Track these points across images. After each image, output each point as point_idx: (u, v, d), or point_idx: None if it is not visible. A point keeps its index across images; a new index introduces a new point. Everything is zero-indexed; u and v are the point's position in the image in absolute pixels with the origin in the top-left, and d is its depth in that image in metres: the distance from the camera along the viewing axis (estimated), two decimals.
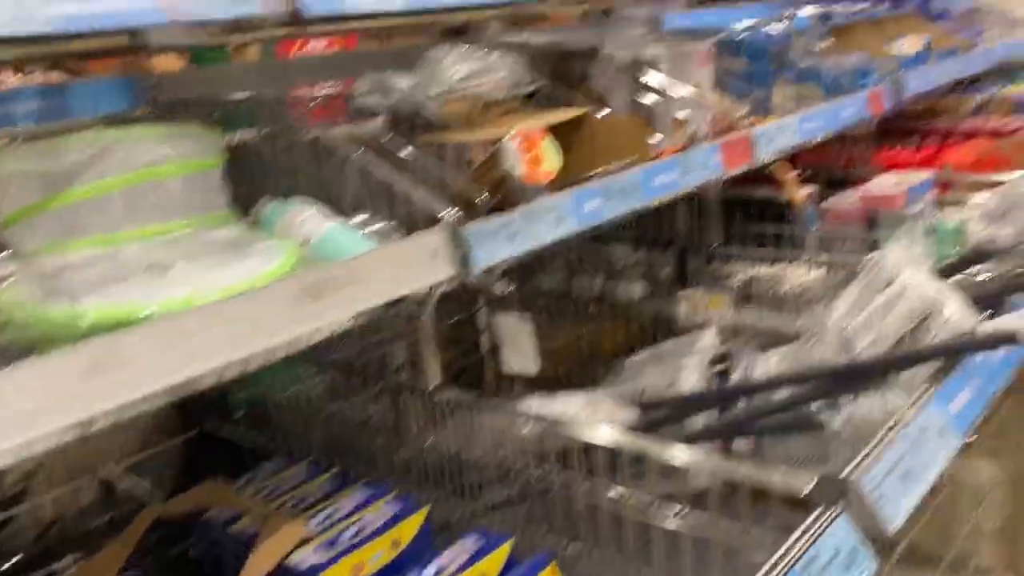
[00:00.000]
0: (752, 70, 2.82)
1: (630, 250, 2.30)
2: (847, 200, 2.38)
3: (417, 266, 1.19)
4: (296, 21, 1.34)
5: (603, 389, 1.78)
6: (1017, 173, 2.20)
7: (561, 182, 1.53)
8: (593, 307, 2.31)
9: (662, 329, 2.18)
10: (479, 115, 1.68)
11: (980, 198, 1.68)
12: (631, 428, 1.53)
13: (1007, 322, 1.22)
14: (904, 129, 3.06)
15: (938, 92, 3.34)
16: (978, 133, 2.86)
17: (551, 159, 1.28)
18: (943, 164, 2.57)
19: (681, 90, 2.02)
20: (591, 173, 1.54)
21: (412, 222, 1.29)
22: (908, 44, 2.94)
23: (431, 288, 1.25)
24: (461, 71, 1.69)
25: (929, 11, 3.62)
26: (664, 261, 2.19)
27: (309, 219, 1.32)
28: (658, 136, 1.99)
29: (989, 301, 1.43)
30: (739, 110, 2.50)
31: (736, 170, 1.85)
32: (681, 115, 2.02)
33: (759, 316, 2.06)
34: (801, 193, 2.27)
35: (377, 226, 1.33)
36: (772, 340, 1.85)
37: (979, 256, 1.57)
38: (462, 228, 1.23)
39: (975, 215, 1.79)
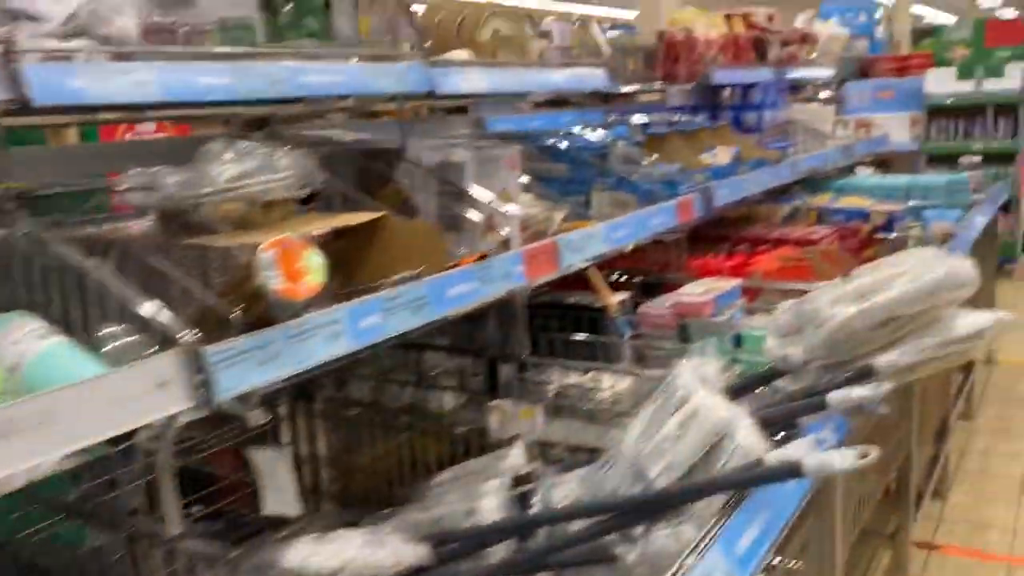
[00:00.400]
0: (572, 175, 2.84)
1: (443, 357, 2.18)
2: (660, 307, 2.37)
3: (143, 397, 1.02)
4: (25, 109, 1.17)
5: (399, 517, 1.63)
6: (817, 285, 2.25)
7: (342, 294, 1.41)
8: (403, 418, 2.17)
9: (474, 442, 2.06)
10: (258, 217, 1.54)
11: (778, 311, 1.67)
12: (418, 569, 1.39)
13: (793, 451, 1.16)
14: (718, 235, 3.15)
15: (751, 200, 3.49)
16: (786, 241, 2.97)
17: (316, 271, 1.15)
18: (752, 272, 2.62)
19: (487, 195, 1.96)
20: (373, 285, 1.42)
21: (151, 341, 1.12)
22: (720, 155, 3.05)
23: (169, 419, 1.08)
24: (237, 169, 1.55)
25: (743, 124, 3.81)
26: (476, 369, 2.09)
27: (25, 337, 1.12)
28: (460, 243, 1.92)
29: (781, 423, 1.39)
30: (556, 215, 2.48)
31: (541, 279, 1.79)
32: (488, 221, 1.96)
33: (570, 429, 1.97)
34: (614, 299, 2.24)
35: (121, 342, 1.15)
36: (582, 456, 1.77)
37: (774, 374, 1.55)
38: (204, 351, 1.07)
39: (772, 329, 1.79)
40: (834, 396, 1.30)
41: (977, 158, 4.26)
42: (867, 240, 3.06)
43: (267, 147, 1.64)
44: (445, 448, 2.11)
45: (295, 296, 1.12)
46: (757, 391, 1.60)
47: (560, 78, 2.38)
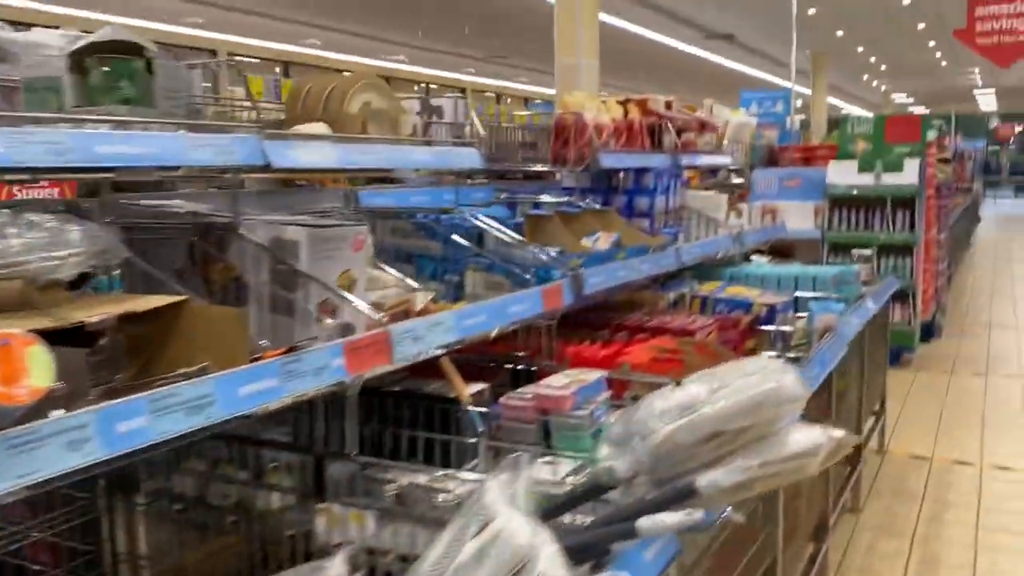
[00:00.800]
0: (447, 255, 2.74)
1: (275, 452, 2.01)
2: (522, 398, 2.25)
3: None
4: None
5: None
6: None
7: (123, 387, 1.25)
8: (230, 518, 1.98)
9: (301, 547, 1.88)
10: (36, 297, 1.37)
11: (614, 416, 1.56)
12: None
13: None
14: (600, 321, 3.07)
15: (637, 285, 3.44)
16: (665, 330, 2.90)
17: (40, 372, 0.99)
18: (621, 363, 2.53)
19: (327, 277, 1.83)
20: (148, 380, 1.26)
21: None
22: (601, 240, 2.99)
23: None
24: (18, 243, 1.39)
25: (635, 209, 3.78)
26: (307, 466, 1.92)
27: None
28: (294, 330, 1.77)
29: (593, 549, 1.26)
30: (420, 296, 2.35)
31: (368, 372, 1.65)
32: (324, 306, 1.82)
33: (404, 536, 1.81)
34: (467, 391, 2.11)
35: None
36: (410, 565, 1.61)
37: (598, 489, 1.43)
38: None
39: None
40: (644, 523, 1.19)
41: (868, 251, 4.33)
42: (747, 332, 3.01)
43: (59, 220, 1.49)
44: (273, 553, 1.93)
45: (11, 400, 0.96)
46: (591, 503, 1.48)
47: (425, 156, 2.29)
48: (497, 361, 2.62)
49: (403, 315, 2.16)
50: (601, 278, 2.63)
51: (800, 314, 3.59)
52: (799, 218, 7.10)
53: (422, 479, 1.94)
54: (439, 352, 2.03)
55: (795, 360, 3.21)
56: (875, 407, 4.68)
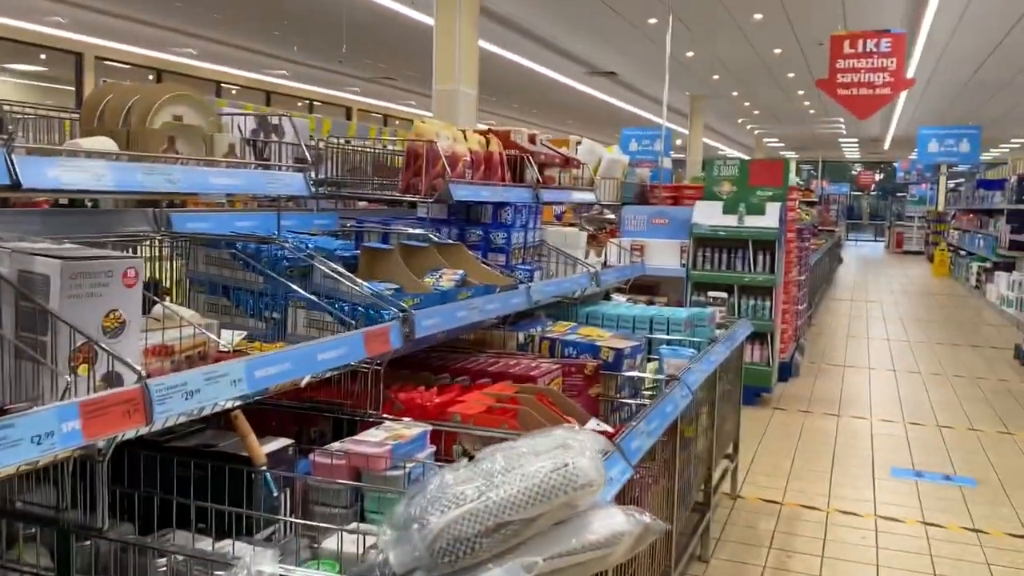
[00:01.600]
0: (268, 289, 2.49)
1: (26, 522, 1.71)
2: (333, 454, 2.02)
3: None
4: None
5: None
6: (516, 436, 1.99)
7: None
8: None
9: None
10: None
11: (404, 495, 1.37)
12: None
13: None
14: (441, 363, 2.88)
15: (485, 324, 3.26)
16: (507, 375, 2.74)
17: None
18: (452, 413, 2.34)
19: (93, 316, 1.57)
20: None
21: None
22: (444, 278, 2.81)
23: None
24: None
25: (491, 243, 3.63)
26: (47, 541, 1.63)
27: None
28: (41, 380, 1.50)
29: None
30: (219, 337, 2.10)
31: (115, 436, 1.40)
32: (80, 352, 1.55)
33: None
34: (261, 451, 1.87)
35: None
36: None
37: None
38: None
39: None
40: None
41: (723, 294, 4.32)
42: (593, 377, 2.89)
43: None
44: None
45: None
46: None
47: (232, 180, 2.04)
48: (315, 408, 2.39)
49: (197, 359, 1.91)
50: (436, 320, 2.45)
51: (652, 357, 3.51)
52: (665, 256, 7.16)
53: (204, 548, 1.69)
54: (228, 406, 1.79)
55: (638, 408, 3.11)
56: (727, 450, 4.67)
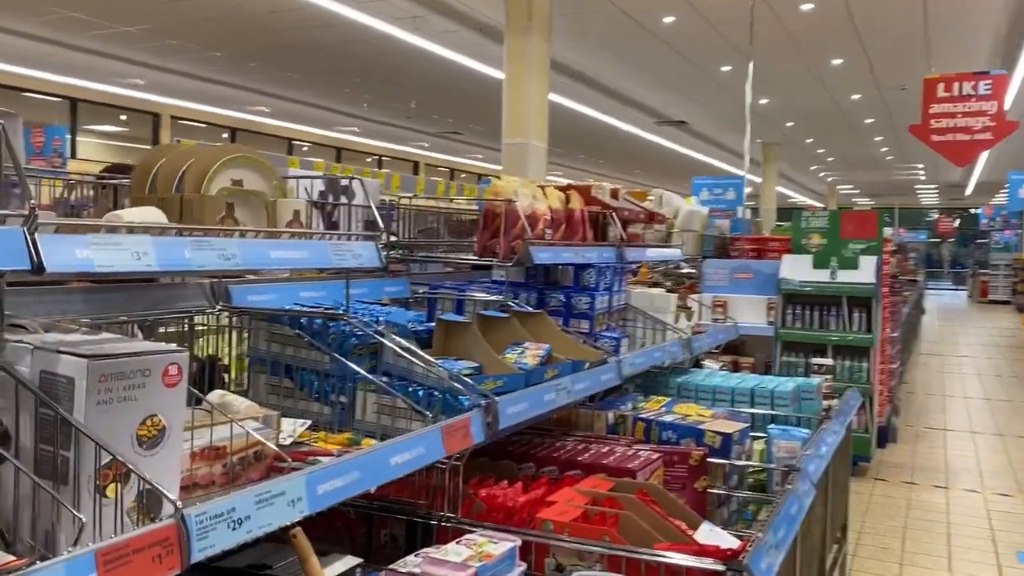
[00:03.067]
0: (334, 369, 2.22)
1: None
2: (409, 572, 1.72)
3: None
4: None
5: None
6: (620, 550, 1.66)
7: None
8: None
9: None
10: None
11: None
12: None
13: None
14: (522, 450, 2.56)
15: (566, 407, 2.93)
16: (600, 467, 2.40)
17: None
18: (544, 517, 2.01)
19: (126, 425, 1.31)
20: None
21: None
22: (528, 353, 2.51)
23: None
24: None
25: (573, 309, 3.32)
26: None
27: None
28: (61, 507, 1.24)
29: None
30: (289, 427, 1.84)
31: None
32: (110, 471, 1.29)
33: None
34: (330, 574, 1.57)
35: None
36: None
37: None
38: None
39: None
40: None
41: (828, 360, 3.92)
42: (699, 468, 2.53)
43: None
44: None
45: None
46: None
47: (295, 253, 1.79)
48: (386, 508, 2.09)
49: (253, 461, 1.64)
50: (523, 406, 2.14)
51: (758, 438, 3.13)
52: (751, 313, 6.74)
53: None
54: (290, 526, 1.50)
55: (745, 503, 2.74)
56: (837, 534, 4.20)
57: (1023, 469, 6.83)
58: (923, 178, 27.62)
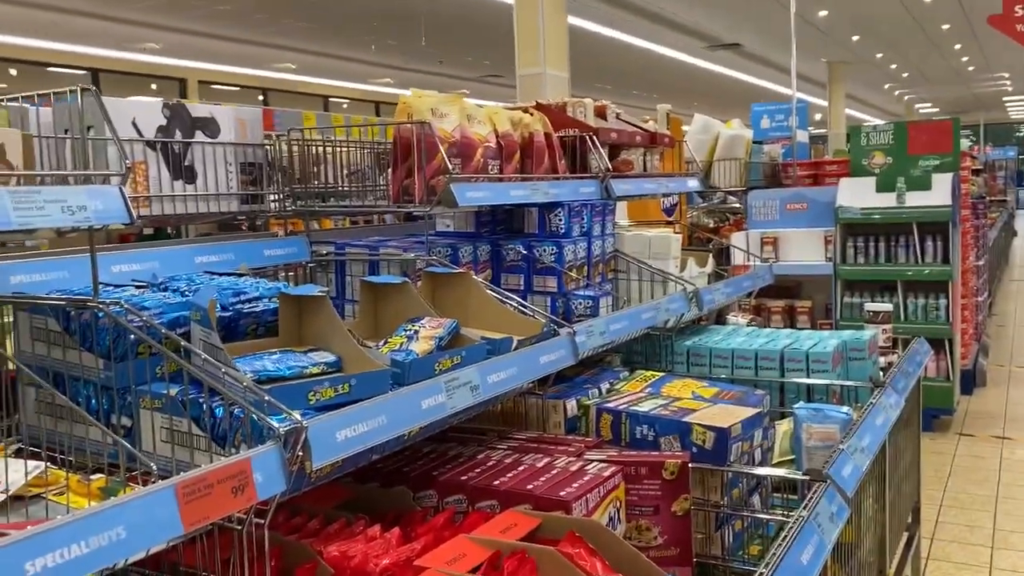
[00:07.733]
0: (113, 374, 1.53)
1: None
2: None
3: None
4: None
5: None
6: None
7: None
8: None
9: None
10: None
11: None
12: None
13: None
14: (424, 469, 1.82)
15: (513, 393, 2.17)
16: (520, 494, 1.65)
17: None
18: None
19: None
20: None
21: None
22: (423, 334, 1.75)
23: None
24: None
25: (534, 262, 2.55)
26: None
27: None
28: None
29: None
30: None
31: None
32: None
33: None
34: None
35: None
36: None
37: None
38: None
39: None
40: None
41: (886, 305, 3.06)
42: (676, 483, 1.75)
43: None
44: None
45: None
46: None
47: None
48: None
49: None
50: (376, 423, 1.40)
51: (782, 422, 2.34)
52: (806, 249, 5.83)
53: None
54: None
55: (753, 524, 1.98)
56: (907, 520, 3.37)
57: None
58: (1010, 89, 25.40)
